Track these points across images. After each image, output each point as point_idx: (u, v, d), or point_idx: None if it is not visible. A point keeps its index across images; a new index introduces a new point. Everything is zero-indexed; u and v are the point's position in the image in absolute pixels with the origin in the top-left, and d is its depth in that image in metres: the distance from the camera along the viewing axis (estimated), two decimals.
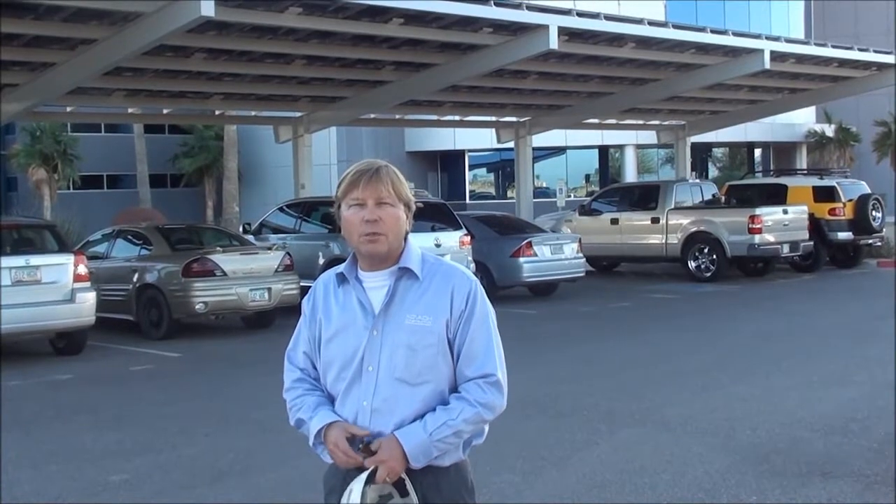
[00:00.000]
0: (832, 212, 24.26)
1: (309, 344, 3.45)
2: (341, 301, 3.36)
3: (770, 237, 22.64)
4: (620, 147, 48.12)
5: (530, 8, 18.20)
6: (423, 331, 3.24)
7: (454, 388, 3.30)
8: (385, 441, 3.19)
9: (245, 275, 16.30)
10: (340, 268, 3.38)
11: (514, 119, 29.23)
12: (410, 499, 3.21)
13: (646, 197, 25.18)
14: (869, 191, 25.40)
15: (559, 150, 47.50)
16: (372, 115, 27.49)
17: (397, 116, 29.49)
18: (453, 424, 3.21)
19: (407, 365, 3.24)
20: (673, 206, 24.12)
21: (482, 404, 3.25)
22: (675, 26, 21.32)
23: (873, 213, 24.53)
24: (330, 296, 3.40)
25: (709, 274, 23.04)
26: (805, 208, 23.58)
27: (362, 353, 3.27)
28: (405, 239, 3.32)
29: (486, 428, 3.38)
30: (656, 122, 32.89)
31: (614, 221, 24.85)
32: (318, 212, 20.11)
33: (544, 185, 46.67)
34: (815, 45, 25.01)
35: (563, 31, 18.43)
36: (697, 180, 29.31)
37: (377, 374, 3.25)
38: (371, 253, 3.26)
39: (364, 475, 3.15)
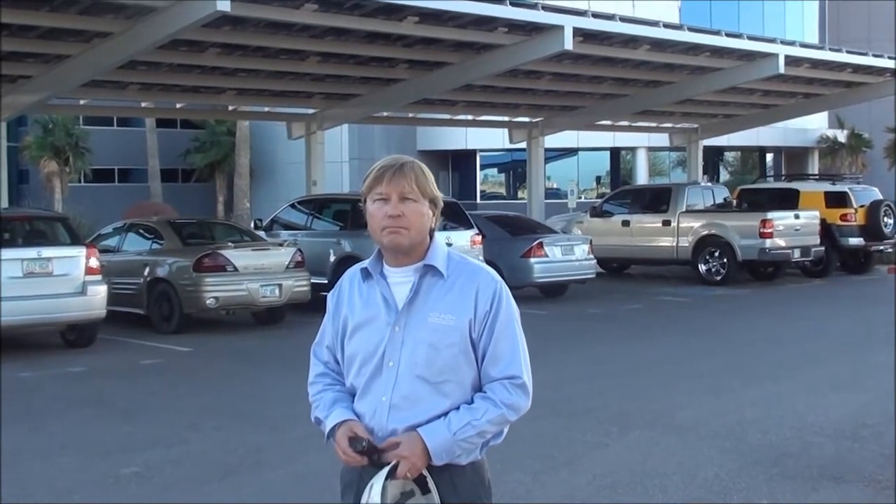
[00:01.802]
0: (844, 217, 24.20)
1: (332, 338, 3.45)
2: (365, 296, 3.36)
3: (781, 242, 22.60)
4: (632, 149, 48.07)
5: (546, 8, 18.19)
6: (445, 329, 3.24)
7: (475, 388, 3.30)
8: (408, 437, 3.19)
9: (256, 270, 16.30)
10: (365, 263, 3.39)
11: (526, 119, 29.21)
12: (432, 496, 3.21)
13: (657, 199, 25.14)
14: (881, 197, 25.35)
15: (571, 152, 47.46)
16: (385, 113, 27.51)
17: (410, 115, 29.51)
18: (477, 424, 3.22)
19: (428, 363, 3.24)
20: (684, 209, 24.08)
21: (507, 405, 3.25)
22: (691, 29, 21.28)
23: (885, 219, 24.46)
24: (354, 290, 3.40)
25: (719, 277, 22.99)
26: (816, 213, 23.53)
27: (383, 349, 3.27)
28: (431, 236, 3.33)
29: (506, 429, 3.37)
30: (669, 125, 32.87)
31: (625, 223, 24.83)
32: (330, 209, 20.14)
33: (555, 186, 46.60)
34: (830, 50, 24.96)
35: (577, 32, 18.41)
36: (709, 184, 29.26)
37: (397, 370, 3.25)
38: (392, 245, 3.26)
39: (384, 471, 3.15)
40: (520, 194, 46.57)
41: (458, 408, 3.25)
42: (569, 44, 17.97)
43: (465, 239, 18.20)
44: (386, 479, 3.14)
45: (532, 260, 19.78)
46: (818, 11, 54.40)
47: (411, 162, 3.29)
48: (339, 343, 3.42)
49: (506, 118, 29.75)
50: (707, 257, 23.28)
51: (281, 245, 17.50)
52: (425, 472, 3.20)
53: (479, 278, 3.30)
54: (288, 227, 20.10)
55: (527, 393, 3.30)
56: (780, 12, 50.63)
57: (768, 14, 49.75)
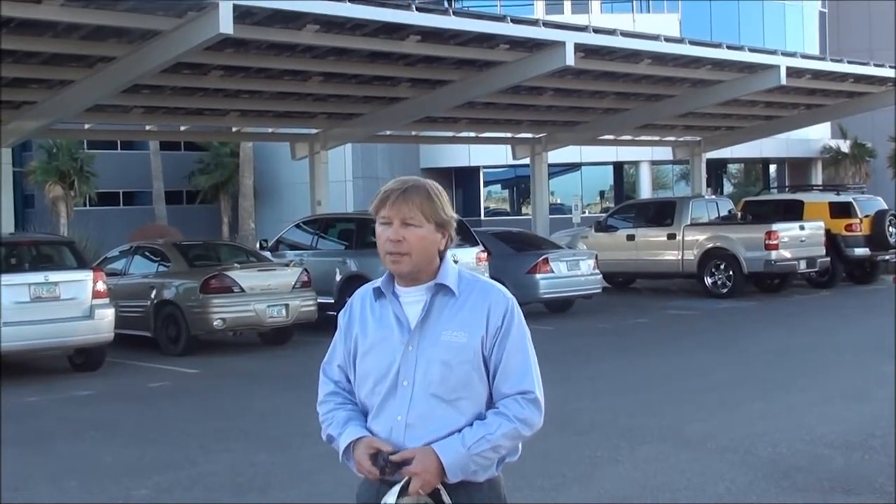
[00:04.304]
0: (849, 228, 24.20)
1: (343, 357, 3.47)
2: (378, 315, 3.38)
3: (786, 253, 22.60)
4: (635, 163, 48.09)
5: (547, 25, 18.29)
6: (458, 347, 3.25)
7: (488, 405, 3.31)
8: (422, 453, 3.20)
9: (262, 291, 16.32)
10: (378, 282, 3.41)
11: (529, 135, 29.24)
12: None
13: (662, 213, 25.16)
14: (885, 206, 25.36)
15: (574, 167, 47.50)
16: (388, 132, 27.55)
17: (413, 133, 29.55)
18: (491, 439, 3.23)
19: (442, 380, 3.25)
20: (689, 223, 24.09)
21: (520, 420, 3.27)
22: (692, 42, 21.31)
23: (890, 228, 24.46)
24: (367, 310, 3.42)
25: (725, 290, 22.97)
26: (821, 224, 23.54)
27: (397, 368, 3.29)
28: (442, 256, 3.34)
29: (521, 446, 3.38)
30: (672, 138, 32.88)
31: (630, 238, 24.83)
32: (335, 228, 20.18)
33: (559, 201, 46.67)
34: (831, 60, 24.99)
35: (579, 47, 18.45)
36: (713, 196, 29.26)
37: (412, 389, 3.27)
38: (394, 272, 3.32)
39: (396, 487, 3.15)
40: (524, 210, 46.61)
41: (471, 424, 3.26)
42: (570, 59, 18.00)
43: (470, 256, 18.20)
44: (399, 495, 3.14)
45: (538, 276, 19.79)
46: (818, 19, 54.44)
47: (417, 186, 3.29)
48: (351, 362, 3.43)
49: (509, 134, 29.79)
50: (713, 270, 23.28)
51: (287, 265, 17.52)
52: (440, 486, 3.20)
53: (490, 296, 3.32)
54: (293, 247, 20.13)
55: (539, 408, 3.31)
56: (780, 19, 50.69)
57: (768, 21, 49.82)
